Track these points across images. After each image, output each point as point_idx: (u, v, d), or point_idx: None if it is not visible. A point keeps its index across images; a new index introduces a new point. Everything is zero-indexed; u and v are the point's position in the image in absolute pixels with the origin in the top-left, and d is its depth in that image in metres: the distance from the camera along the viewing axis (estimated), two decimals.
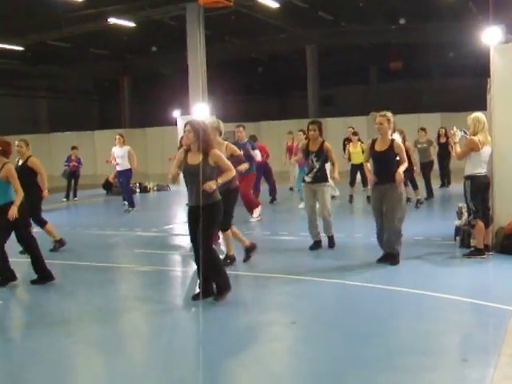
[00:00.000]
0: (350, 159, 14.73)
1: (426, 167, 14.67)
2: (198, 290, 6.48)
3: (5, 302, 6.90)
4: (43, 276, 7.43)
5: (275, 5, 20.86)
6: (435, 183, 15.41)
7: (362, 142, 14.76)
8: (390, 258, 7.73)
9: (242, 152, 10.98)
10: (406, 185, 11.25)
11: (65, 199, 17.47)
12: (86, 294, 7.18)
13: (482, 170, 7.89)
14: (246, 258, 8.16)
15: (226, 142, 8.07)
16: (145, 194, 19.74)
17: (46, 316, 6.28)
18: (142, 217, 14.04)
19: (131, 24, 22.69)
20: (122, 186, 14.81)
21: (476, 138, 7.78)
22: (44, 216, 9.59)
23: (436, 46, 27.71)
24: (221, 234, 8.42)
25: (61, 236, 9.77)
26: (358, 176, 14.48)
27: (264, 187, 15.03)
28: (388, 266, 7.65)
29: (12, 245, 7.59)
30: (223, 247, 8.41)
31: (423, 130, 15.39)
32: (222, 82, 27.09)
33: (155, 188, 20.50)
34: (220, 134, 7.92)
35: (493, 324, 5.44)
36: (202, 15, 21.53)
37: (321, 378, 4.45)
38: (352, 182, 14.64)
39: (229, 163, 6.49)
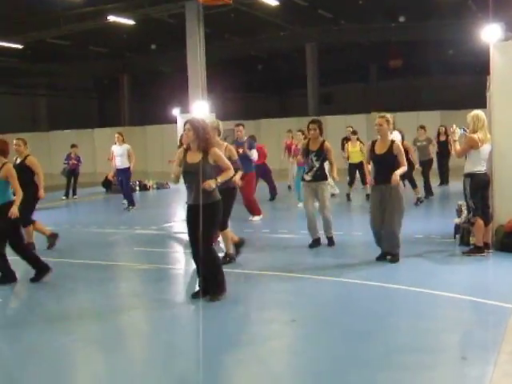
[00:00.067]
0: (348, 158, 14.73)
1: (426, 165, 14.58)
2: (197, 288, 6.48)
3: (4, 300, 6.90)
4: (39, 268, 7.39)
5: (275, 3, 20.86)
6: (434, 181, 15.39)
7: (360, 142, 14.77)
8: (389, 255, 7.73)
9: (241, 151, 10.98)
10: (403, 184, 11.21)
11: (64, 197, 17.43)
12: (86, 291, 7.18)
13: (481, 168, 7.89)
14: (236, 254, 8.17)
15: (225, 143, 8.09)
16: (144, 192, 19.76)
17: (46, 313, 6.27)
18: (141, 215, 14.04)
19: (131, 22, 22.70)
20: (121, 185, 14.80)
21: (476, 136, 7.78)
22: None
23: (435, 43, 27.70)
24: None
25: (51, 231, 9.75)
26: (358, 175, 14.47)
27: (263, 187, 14.99)
28: (387, 263, 7.66)
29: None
30: (222, 245, 8.40)
31: (423, 127, 15.30)
32: (221, 79, 27.10)
33: (155, 186, 20.51)
34: (219, 134, 7.93)
35: (492, 322, 5.43)
36: (201, 13, 21.53)
37: (320, 377, 4.45)
38: (351, 182, 14.64)
39: (228, 162, 6.49)
